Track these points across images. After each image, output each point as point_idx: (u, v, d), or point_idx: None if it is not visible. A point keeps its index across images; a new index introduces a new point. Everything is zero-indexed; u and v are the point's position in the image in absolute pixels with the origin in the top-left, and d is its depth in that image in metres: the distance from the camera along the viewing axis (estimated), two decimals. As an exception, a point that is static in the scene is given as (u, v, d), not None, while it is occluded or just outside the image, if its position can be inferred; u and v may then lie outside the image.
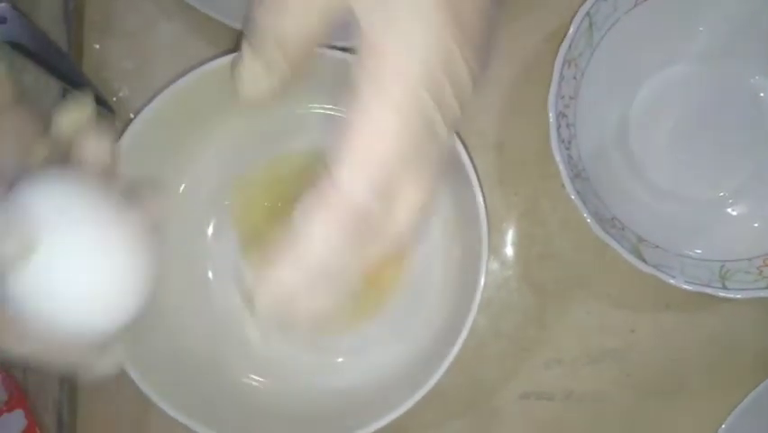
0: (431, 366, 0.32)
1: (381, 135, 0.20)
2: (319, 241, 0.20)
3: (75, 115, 0.27)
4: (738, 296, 0.33)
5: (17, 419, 0.37)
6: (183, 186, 0.38)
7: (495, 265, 0.40)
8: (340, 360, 0.38)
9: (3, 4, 0.41)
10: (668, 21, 0.37)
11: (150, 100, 0.35)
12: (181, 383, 0.35)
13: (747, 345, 0.38)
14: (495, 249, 0.40)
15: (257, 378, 0.38)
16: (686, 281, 0.33)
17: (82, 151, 0.26)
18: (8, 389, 0.38)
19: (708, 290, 0.33)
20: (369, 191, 0.20)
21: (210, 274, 0.39)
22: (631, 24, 0.36)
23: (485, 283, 0.39)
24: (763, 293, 0.33)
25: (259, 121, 0.37)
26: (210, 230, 0.39)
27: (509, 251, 0.40)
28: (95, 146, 0.27)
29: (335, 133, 0.21)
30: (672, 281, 0.33)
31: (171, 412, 0.33)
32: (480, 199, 0.32)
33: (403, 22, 0.20)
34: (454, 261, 0.36)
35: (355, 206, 0.20)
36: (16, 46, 0.41)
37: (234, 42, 0.38)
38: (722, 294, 0.33)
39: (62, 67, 0.41)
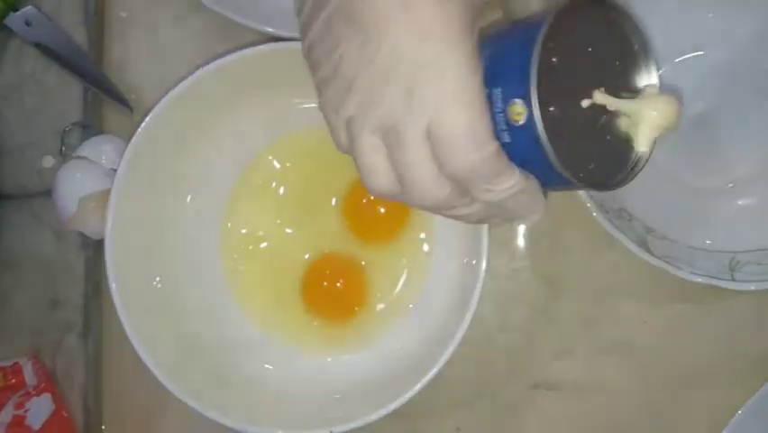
0: (435, 356, 0.33)
1: None
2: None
3: None
4: (748, 288, 0.32)
5: (45, 402, 0.39)
6: (194, 178, 0.39)
7: (504, 257, 0.40)
8: (346, 350, 0.39)
9: (28, 8, 0.43)
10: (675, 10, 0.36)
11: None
12: (193, 369, 0.36)
13: (759, 339, 0.38)
14: (504, 241, 0.40)
15: (268, 366, 0.39)
16: (693, 273, 0.33)
17: None
18: (37, 374, 0.40)
19: (716, 282, 0.32)
20: None
21: (222, 265, 0.40)
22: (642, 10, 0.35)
23: (494, 275, 0.40)
24: (772, 285, 0.32)
25: (260, 113, 0.38)
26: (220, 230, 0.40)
27: (519, 243, 0.40)
28: None
29: None
30: (679, 273, 0.33)
31: (184, 398, 0.34)
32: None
33: None
34: (457, 252, 0.37)
35: None
36: (41, 47, 0.43)
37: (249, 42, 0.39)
38: (730, 286, 0.32)
39: (84, 67, 0.43)
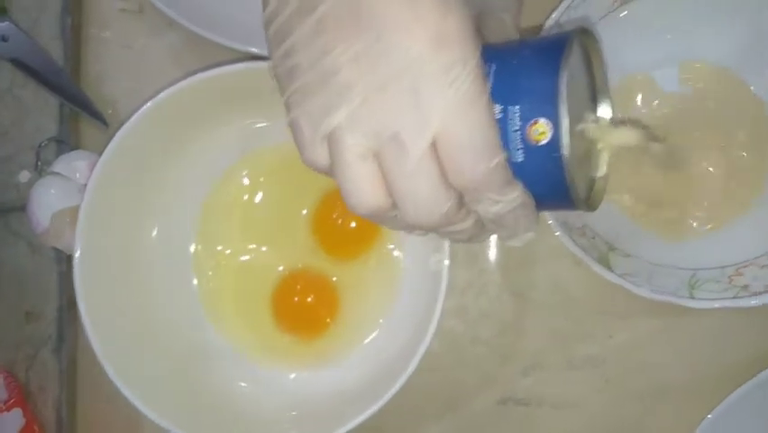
0: (397, 373, 0.33)
1: None
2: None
3: None
4: (705, 305, 0.33)
5: (15, 417, 0.39)
6: (165, 195, 0.40)
7: (474, 272, 0.40)
8: (319, 365, 0.39)
9: (5, 23, 0.43)
10: (643, 28, 0.37)
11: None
12: (164, 388, 0.36)
13: (724, 352, 0.38)
14: (474, 256, 0.40)
15: (241, 383, 0.39)
16: (652, 291, 0.33)
17: None
18: (9, 389, 0.41)
19: (675, 300, 0.33)
20: None
21: (195, 282, 0.40)
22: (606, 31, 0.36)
23: (465, 289, 0.40)
24: (728, 303, 0.32)
25: (231, 129, 0.39)
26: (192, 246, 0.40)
27: (489, 258, 0.41)
28: None
29: None
30: (638, 291, 0.33)
31: (158, 420, 0.35)
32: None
33: None
34: (424, 267, 0.37)
35: None
36: (17, 63, 0.43)
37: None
38: (687, 304, 0.33)
39: (60, 82, 0.44)
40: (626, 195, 0.37)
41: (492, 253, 0.41)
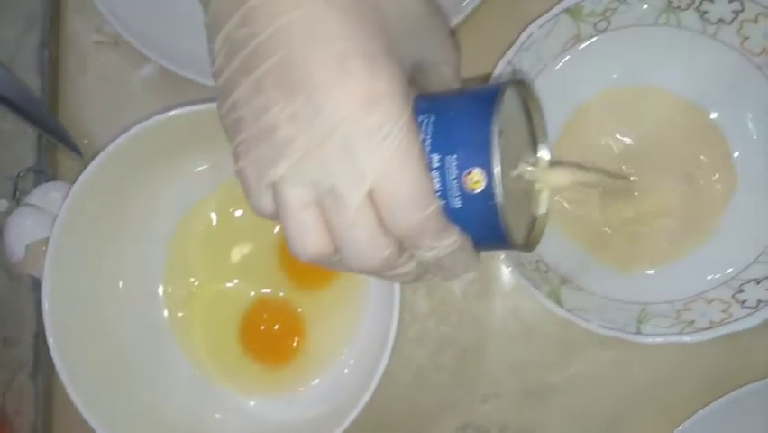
0: (352, 404, 0.34)
1: None
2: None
3: None
4: (651, 340, 0.33)
5: (-10, 442, 0.40)
6: (135, 227, 0.41)
7: (436, 300, 0.41)
8: (282, 393, 0.40)
9: (-17, 57, 0.45)
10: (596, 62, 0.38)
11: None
12: (137, 421, 0.38)
13: (680, 381, 0.39)
14: (436, 285, 0.41)
15: (215, 413, 0.40)
16: (600, 325, 0.34)
17: None
18: (-14, 413, 0.42)
19: (622, 335, 0.34)
20: None
21: (165, 313, 0.41)
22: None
23: (428, 318, 0.41)
24: (673, 339, 0.33)
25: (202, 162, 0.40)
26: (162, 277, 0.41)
27: (450, 287, 0.41)
28: None
29: None
30: (587, 326, 0.34)
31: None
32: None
33: None
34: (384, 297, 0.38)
35: None
36: (-5, 95, 0.45)
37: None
38: (634, 339, 0.34)
39: (37, 114, 0.45)
40: (581, 229, 0.38)
41: (454, 282, 0.41)
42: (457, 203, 0.25)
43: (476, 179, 0.24)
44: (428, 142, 0.25)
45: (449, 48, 0.31)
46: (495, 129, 0.24)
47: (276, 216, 0.26)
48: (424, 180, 0.24)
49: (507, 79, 0.28)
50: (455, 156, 0.25)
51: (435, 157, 0.25)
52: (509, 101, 0.26)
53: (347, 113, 0.23)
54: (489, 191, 0.24)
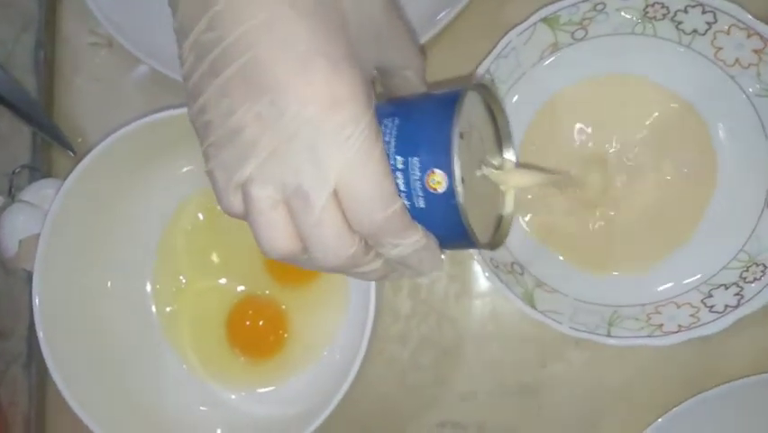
0: (336, 388, 0.35)
1: None
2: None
3: None
4: (617, 343, 0.34)
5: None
6: (125, 224, 0.42)
7: (416, 301, 0.42)
8: (266, 385, 0.41)
9: (-20, 57, 0.46)
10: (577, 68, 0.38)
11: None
12: (127, 414, 0.39)
13: (653, 380, 0.40)
14: (416, 287, 0.42)
15: (202, 407, 0.41)
16: (571, 328, 0.35)
17: None
18: (-20, 403, 0.43)
19: (593, 337, 0.35)
20: None
21: (154, 309, 0.43)
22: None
23: (407, 317, 0.42)
24: (641, 341, 0.34)
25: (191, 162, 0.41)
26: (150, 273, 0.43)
27: (429, 289, 0.43)
28: None
29: None
30: (558, 328, 0.35)
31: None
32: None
33: None
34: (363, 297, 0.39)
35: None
36: (-8, 95, 0.46)
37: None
38: (605, 341, 0.35)
39: (32, 113, 0.46)
40: (557, 232, 0.39)
41: (435, 283, 0.43)
42: (421, 203, 0.26)
43: (437, 180, 0.25)
44: (393, 144, 0.26)
45: (413, 53, 0.31)
46: (455, 131, 0.25)
47: (246, 216, 0.26)
48: (385, 180, 0.25)
49: (470, 83, 0.28)
50: (417, 158, 0.25)
51: (400, 159, 0.26)
52: (471, 104, 0.27)
53: (310, 114, 0.24)
54: (450, 191, 0.25)
